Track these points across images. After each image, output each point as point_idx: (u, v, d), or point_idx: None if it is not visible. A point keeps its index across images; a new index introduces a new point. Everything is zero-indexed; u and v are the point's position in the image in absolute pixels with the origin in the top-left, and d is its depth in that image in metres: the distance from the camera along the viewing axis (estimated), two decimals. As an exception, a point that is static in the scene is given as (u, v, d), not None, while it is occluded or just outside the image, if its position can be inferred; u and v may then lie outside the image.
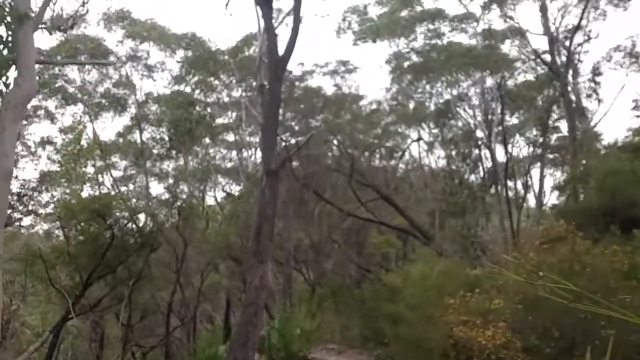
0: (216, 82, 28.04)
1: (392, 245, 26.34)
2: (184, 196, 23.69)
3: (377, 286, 20.51)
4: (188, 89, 28.86)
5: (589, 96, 26.03)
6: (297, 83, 36.05)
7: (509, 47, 33.98)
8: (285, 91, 26.45)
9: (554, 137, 33.94)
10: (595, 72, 25.83)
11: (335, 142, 24.30)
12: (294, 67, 32.61)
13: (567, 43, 25.63)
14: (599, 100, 26.09)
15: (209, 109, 26.23)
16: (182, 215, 21.07)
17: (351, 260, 27.25)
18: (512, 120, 37.50)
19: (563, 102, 23.49)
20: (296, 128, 33.66)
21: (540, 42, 37.32)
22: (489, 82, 35.06)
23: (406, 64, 36.94)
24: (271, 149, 12.25)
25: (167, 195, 28.14)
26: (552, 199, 40.63)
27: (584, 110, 25.58)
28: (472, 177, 38.06)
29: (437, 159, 37.94)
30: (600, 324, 8.67)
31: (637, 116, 31.45)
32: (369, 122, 37.62)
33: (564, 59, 25.87)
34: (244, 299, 12.68)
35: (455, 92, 36.37)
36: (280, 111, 30.15)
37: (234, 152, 36.91)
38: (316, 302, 24.46)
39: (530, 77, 33.21)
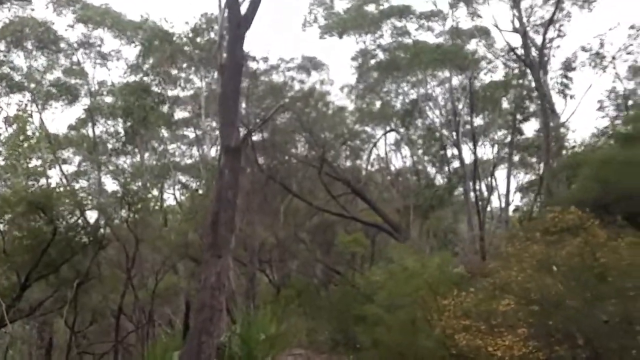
0: (173, 67, 25.50)
1: (361, 244, 24.34)
2: (139, 192, 21.07)
3: (348, 287, 18.50)
4: (146, 79, 26.19)
5: (560, 92, 24.70)
6: (261, 78, 33.86)
7: (475, 46, 32.63)
8: (247, 85, 24.19)
9: (520, 137, 32.52)
10: (567, 67, 24.53)
11: (303, 133, 22.18)
12: (258, 63, 30.41)
13: (539, 37, 24.24)
14: (570, 96, 24.83)
15: (165, 94, 23.67)
16: (133, 209, 18.49)
17: (318, 260, 25.13)
18: (477, 121, 36.06)
19: (538, 95, 22.05)
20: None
21: (509, 40, 36.14)
22: (456, 81, 33.77)
23: (372, 61, 35.15)
24: (231, 123, 10.04)
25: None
26: (516, 200, 39.50)
27: (554, 107, 24.18)
28: (439, 177, 36.86)
29: (403, 158, 36.36)
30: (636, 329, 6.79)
31: (603, 117, 30.68)
32: (334, 120, 35.63)
33: (535, 54, 24.37)
34: (197, 301, 10.38)
35: (422, 90, 34.81)
36: (243, 105, 28.01)
37: (195, 149, 34.37)
38: (281, 304, 22.40)
39: (498, 77, 31.87)
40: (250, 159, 17.68)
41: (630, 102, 25.77)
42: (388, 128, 33.85)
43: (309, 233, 26.84)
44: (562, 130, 26.19)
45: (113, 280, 20.94)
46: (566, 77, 24.57)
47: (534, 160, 35.82)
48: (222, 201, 9.37)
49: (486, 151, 36.76)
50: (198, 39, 25.23)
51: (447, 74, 33.91)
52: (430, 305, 9.34)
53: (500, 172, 40.42)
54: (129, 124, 26.20)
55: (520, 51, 24.31)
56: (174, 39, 25.23)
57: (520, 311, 7.98)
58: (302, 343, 19.83)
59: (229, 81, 10.38)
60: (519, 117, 26.76)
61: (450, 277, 10.69)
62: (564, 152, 23.02)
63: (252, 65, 28.68)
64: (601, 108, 28.01)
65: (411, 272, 10.85)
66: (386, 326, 11.07)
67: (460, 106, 34.48)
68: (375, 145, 28.29)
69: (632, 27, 25.02)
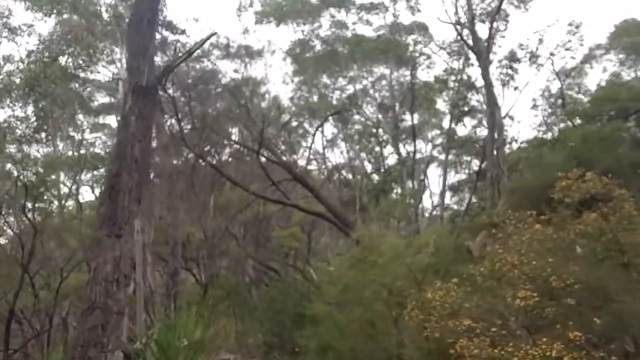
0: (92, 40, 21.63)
1: (298, 240, 21.63)
2: (42, 177, 17.28)
3: (285, 284, 15.78)
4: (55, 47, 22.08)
5: (504, 84, 23.20)
6: (191, 65, 30.46)
7: (413, 42, 30.97)
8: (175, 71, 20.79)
9: (456, 136, 31.02)
10: (512, 58, 23.07)
11: (238, 111, 19.18)
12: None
13: (481, 30, 22.60)
14: (515, 88, 23.38)
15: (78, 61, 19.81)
16: (31, 194, 14.86)
17: (251, 257, 22.17)
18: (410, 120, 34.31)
19: (484, 84, 20.36)
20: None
21: (448, 34, 34.77)
22: (394, 75, 31.96)
23: (310, 53, 32.61)
24: (142, 53, 7.12)
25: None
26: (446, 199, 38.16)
27: (496, 100, 22.60)
28: (374, 175, 34.91)
29: (341, 154, 34.05)
30: None
31: (536, 115, 29.76)
32: (269, 112, 32.75)
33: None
34: (85, 299, 7.27)
35: (359, 86, 32.73)
36: (170, 92, 24.45)
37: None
38: (209, 305, 19.35)
39: (437, 72, 30.24)
40: (176, 136, 14.61)
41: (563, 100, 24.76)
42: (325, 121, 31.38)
43: (242, 228, 23.82)
44: (507, 120, 24.87)
45: (8, 278, 17.05)
46: (511, 67, 23.09)
47: (467, 158, 34.79)
48: (124, 159, 6.45)
49: (420, 149, 35.49)
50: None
51: (384, 70, 32.23)
52: (413, 299, 6.82)
53: (432, 171, 39.22)
54: (41, 104, 22.07)
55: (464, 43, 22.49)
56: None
57: (546, 307, 5.61)
58: (232, 347, 16.94)
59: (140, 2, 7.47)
60: (460, 109, 24.98)
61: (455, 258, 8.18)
62: (508, 144, 21.51)
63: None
64: (535, 107, 27.04)
65: (394, 255, 8.31)
66: (338, 327, 8.44)
67: (397, 104, 32.99)
68: (314, 138, 25.52)
69: (570, 24, 24.02)
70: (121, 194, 6.46)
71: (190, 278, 25.08)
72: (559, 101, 25.03)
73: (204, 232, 22.09)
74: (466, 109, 24.74)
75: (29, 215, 15.36)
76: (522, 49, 24.77)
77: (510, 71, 22.86)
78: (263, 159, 19.01)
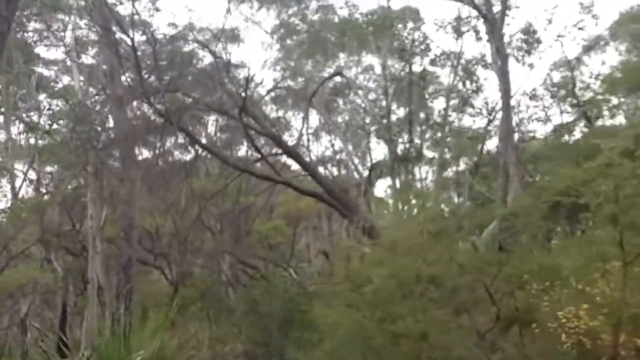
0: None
1: (283, 234, 18.63)
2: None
3: (277, 281, 12.81)
4: None
5: (519, 59, 20.58)
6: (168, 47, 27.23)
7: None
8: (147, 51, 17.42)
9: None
10: (527, 31, 20.44)
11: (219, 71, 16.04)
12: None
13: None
14: (529, 65, 20.81)
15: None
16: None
17: (229, 252, 19.05)
18: (401, 112, 31.76)
19: (499, 55, 17.66)
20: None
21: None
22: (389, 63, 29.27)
23: (294, 38, 29.69)
24: None
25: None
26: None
27: (509, 77, 19.86)
28: (361, 169, 32.13)
29: (326, 147, 31.12)
30: None
31: (536, 106, 27.32)
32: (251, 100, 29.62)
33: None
34: None
35: (349, 73, 29.99)
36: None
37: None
38: (178, 307, 16.20)
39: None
40: (135, 90, 11.54)
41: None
42: (311, 110, 28.39)
43: (218, 220, 20.67)
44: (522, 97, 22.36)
45: None
46: (527, 42, 20.51)
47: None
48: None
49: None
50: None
51: (371, 59, 29.55)
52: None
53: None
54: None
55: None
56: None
57: None
58: (203, 356, 13.88)
59: None
60: (468, 86, 22.22)
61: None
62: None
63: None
64: (534, 97, 24.61)
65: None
66: (366, 338, 5.53)
67: (390, 91, 30.35)
68: (303, 128, 22.39)
69: (581, 3, 21.59)
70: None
71: (159, 276, 21.92)
72: (567, 88, 22.55)
73: (175, 224, 18.92)
74: (474, 87, 21.93)
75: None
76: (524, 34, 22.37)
77: (526, 45, 20.24)
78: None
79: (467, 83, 22.34)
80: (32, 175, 19.96)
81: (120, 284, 8.92)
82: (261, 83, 25.47)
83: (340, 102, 30.07)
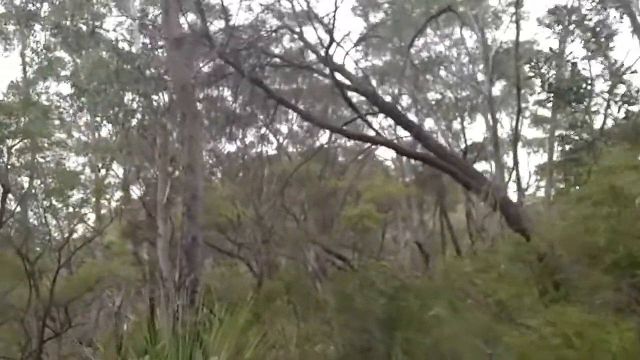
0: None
1: (375, 220, 16.47)
2: None
3: (366, 278, 10.69)
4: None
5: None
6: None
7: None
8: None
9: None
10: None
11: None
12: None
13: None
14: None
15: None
16: None
17: (315, 242, 17.18)
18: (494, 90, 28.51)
19: (630, 18, 14.22)
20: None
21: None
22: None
23: (378, 15, 27.38)
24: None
25: None
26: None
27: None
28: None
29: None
30: None
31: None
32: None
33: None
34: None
35: (440, 48, 27.33)
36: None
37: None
38: (263, 301, 14.68)
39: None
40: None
41: None
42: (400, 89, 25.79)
43: (301, 207, 18.90)
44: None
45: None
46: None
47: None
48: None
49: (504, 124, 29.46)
50: None
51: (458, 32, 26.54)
52: None
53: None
54: None
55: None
56: None
57: None
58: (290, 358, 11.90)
59: None
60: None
61: None
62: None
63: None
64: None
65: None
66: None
67: (480, 67, 27.16)
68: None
69: None
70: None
71: (245, 268, 20.55)
72: None
73: (256, 211, 17.32)
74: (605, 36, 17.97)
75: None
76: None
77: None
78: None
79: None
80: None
81: (183, 273, 7.15)
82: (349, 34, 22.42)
83: (430, 78, 27.20)
